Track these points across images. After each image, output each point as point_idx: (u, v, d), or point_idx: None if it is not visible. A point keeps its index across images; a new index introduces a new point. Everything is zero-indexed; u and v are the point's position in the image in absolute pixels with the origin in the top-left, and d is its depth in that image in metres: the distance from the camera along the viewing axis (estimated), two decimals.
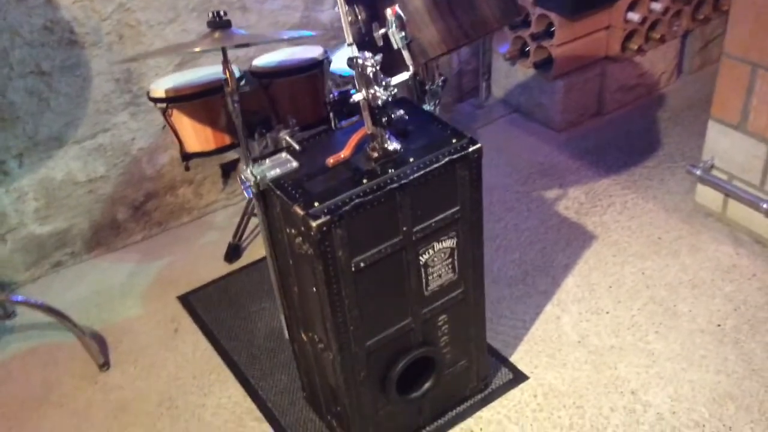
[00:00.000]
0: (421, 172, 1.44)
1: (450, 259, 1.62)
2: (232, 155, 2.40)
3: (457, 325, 1.74)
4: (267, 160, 1.49)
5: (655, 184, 2.65)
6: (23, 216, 2.44)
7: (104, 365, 2.17)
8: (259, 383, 2.03)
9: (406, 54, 1.40)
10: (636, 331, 2.06)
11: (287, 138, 1.51)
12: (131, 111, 2.47)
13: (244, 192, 1.44)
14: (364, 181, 1.41)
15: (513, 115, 3.20)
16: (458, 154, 1.48)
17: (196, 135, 1.65)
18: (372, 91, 1.33)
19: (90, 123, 2.41)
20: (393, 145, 1.46)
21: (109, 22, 2.30)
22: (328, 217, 1.36)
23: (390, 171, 1.43)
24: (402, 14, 1.37)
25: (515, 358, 2.02)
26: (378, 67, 1.33)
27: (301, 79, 1.74)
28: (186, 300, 2.37)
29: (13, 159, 2.34)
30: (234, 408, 1.99)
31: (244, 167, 1.43)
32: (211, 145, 1.66)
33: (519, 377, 1.97)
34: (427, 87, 1.82)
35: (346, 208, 1.37)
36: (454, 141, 1.50)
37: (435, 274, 1.61)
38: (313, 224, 1.35)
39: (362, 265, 1.46)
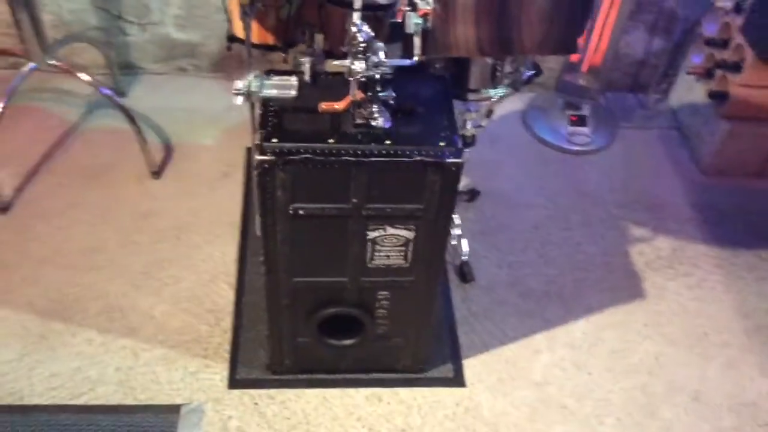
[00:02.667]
0: (384, 159, 1.40)
1: (403, 248, 1.59)
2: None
3: (399, 307, 1.74)
4: (273, 78, 1.51)
5: (751, 279, 2.32)
6: (164, 16, 2.67)
7: (155, 174, 2.42)
8: (251, 258, 2.18)
9: (416, 41, 1.32)
10: (600, 407, 1.92)
11: (306, 64, 1.51)
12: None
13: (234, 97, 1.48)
14: (330, 140, 1.40)
15: (671, 132, 2.88)
16: (432, 159, 1.41)
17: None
18: (357, 63, 1.29)
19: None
20: (378, 120, 1.42)
21: None
22: (273, 157, 1.39)
23: (357, 143, 1.41)
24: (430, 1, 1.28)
25: (468, 363, 1.99)
26: (371, 40, 1.27)
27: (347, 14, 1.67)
28: (250, 152, 2.53)
29: None
30: (217, 264, 2.17)
31: (246, 75, 1.47)
32: (254, 38, 1.70)
33: (457, 381, 1.95)
34: (498, 72, 1.71)
35: (294, 157, 1.39)
36: (441, 144, 1.42)
37: (383, 254, 1.60)
38: (257, 158, 1.38)
39: (301, 212, 1.49)
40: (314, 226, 1.52)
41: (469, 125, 1.98)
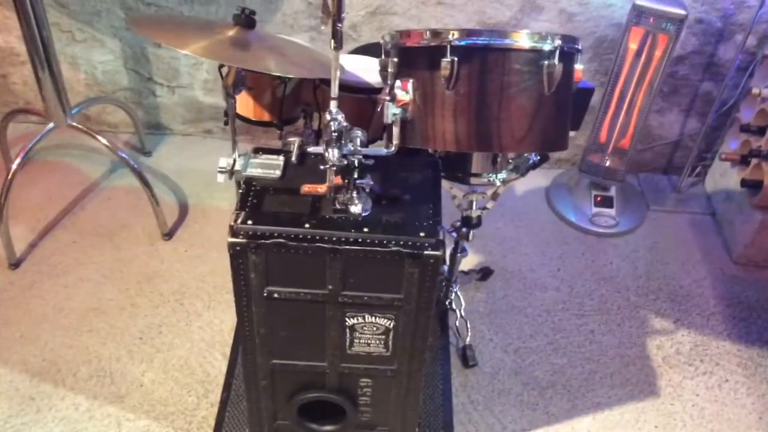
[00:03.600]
0: (359, 248, 1.35)
1: (383, 336, 1.52)
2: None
3: (383, 395, 1.66)
4: (260, 157, 1.50)
5: None
6: (193, 80, 2.72)
7: (167, 236, 2.42)
8: None
9: (395, 130, 1.28)
10: None
11: (294, 144, 1.49)
12: (311, 35, 2.56)
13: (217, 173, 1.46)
14: (306, 225, 1.36)
15: (705, 217, 2.75)
16: (410, 251, 1.35)
17: (242, 99, 1.70)
18: (330, 149, 1.26)
19: (273, 29, 2.56)
20: (357, 207, 1.38)
21: None
22: (244, 240, 1.35)
23: (334, 229, 1.36)
24: (410, 92, 1.24)
25: None
26: (346, 128, 1.24)
27: (346, 98, 1.65)
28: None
29: None
30: (215, 332, 2.13)
31: (232, 153, 1.46)
32: (249, 114, 1.69)
33: None
34: (499, 157, 1.66)
35: (266, 241, 1.35)
36: (421, 234, 1.37)
37: (362, 341, 1.53)
38: (228, 240, 1.35)
39: (276, 296, 1.44)
40: (290, 309, 1.47)
41: (474, 206, 1.92)
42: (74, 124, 2.27)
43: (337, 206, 1.40)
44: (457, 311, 2.18)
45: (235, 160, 1.46)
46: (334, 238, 1.35)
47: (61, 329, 2.12)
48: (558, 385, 2.07)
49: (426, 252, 1.35)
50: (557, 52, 1.20)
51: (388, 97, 1.26)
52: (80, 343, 2.08)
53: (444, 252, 1.38)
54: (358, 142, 1.29)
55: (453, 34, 1.19)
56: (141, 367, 2.03)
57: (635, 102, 2.40)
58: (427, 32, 1.22)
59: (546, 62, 1.20)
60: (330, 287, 1.42)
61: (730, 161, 2.58)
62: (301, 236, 1.35)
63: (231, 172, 1.46)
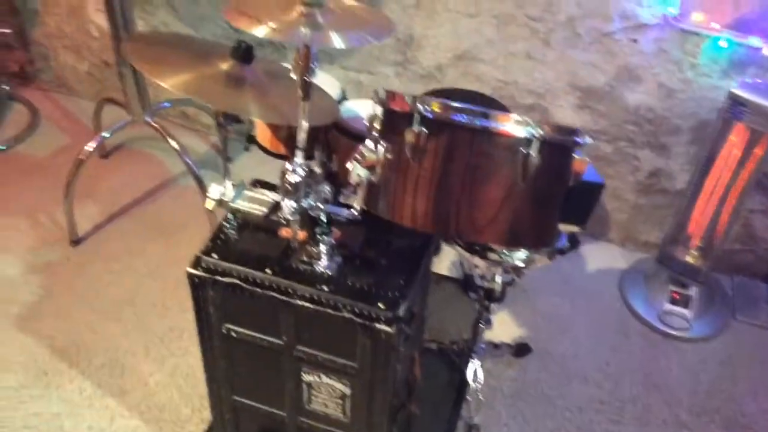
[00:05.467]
0: (311, 306, 1.28)
1: (340, 401, 1.44)
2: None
3: None
4: (255, 190, 1.47)
5: None
6: None
7: None
8: None
9: (360, 193, 1.20)
10: None
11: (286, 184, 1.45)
12: (396, 71, 2.52)
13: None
14: (267, 270, 1.32)
15: None
16: (361, 321, 1.26)
17: (261, 128, 1.68)
18: (285, 201, 1.20)
19: (360, 59, 2.54)
20: (322, 264, 1.31)
21: None
22: (202, 273, 1.33)
23: (294, 280, 1.30)
24: (379, 154, 1.16)
25: None
26: (311, 181, 1.18)
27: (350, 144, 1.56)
28: None
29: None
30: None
31: (224, 181, 1.44)
32: (267, 144, 1.67)
33: None
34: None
35: (223, 279, 1.32)
36: (380, 305, 1.27)
37: (320, 400, 1.46)
38: (188, 269, 1.33)
39: (234, 335, 1.41)
40: (249, 351, 1.43)
41: (498, 279, 1.78)
42: (150, 120, 2.37)
43: (305, 258, 1.34)
44: (473, 385, 2.03)
45: (226, 190, 1.44)
46: (290, 290, 1.30)
47: (94, 313, 2.21)
48: None
49: (377, 326, 1.26)
50: (536, 142, 1.07)
51: (357, 156, 1.18)
52: (106, 330, 2.16)
53: (401, 328, 1.28)
54: (323, 197, 1.22)
55: (426, 106, 1.09)
56: (151, 367, 2.07)
57: (727, 197, 2.13)
58: (408, 97, 1.13)
59: (522, 151, 1.07)
60: (284, 338, 1.36)
61: None
62: (258, 281, 1.31)
63: (220, 202, 1.43)
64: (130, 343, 2.14)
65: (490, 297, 1.82)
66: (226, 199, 1.43)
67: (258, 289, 1.30)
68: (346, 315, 1.26)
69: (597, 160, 2.49)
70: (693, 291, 2.39)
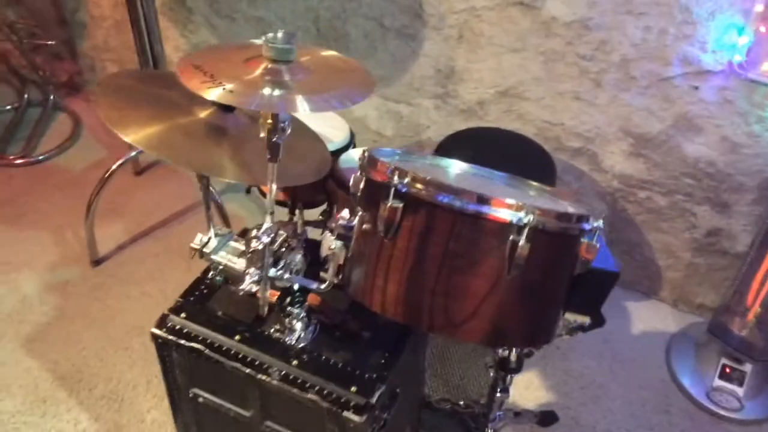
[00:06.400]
0: (275, 382, 1.15)
1: None
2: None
3: None
4: (240, 242, 1.35)
5: None
6: None
7: None
8: None
9: (330, 267, 1.06)
10: None
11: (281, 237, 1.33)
12: (436, 104, 2.38)
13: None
14: (237, 337, 1.20)
15: None
16: (328, 405, 1.12)
17: None
18: (249, 270, 1.08)
19: (399, 89, 2.41)
20: (293, 336, 1.18)
21: (455, 17, 2.17)
22: (166, 334, 1.22)
23: (262, 350, 1.18)
24: (354, 226, 1.02)
25: None
26: (279, 250, 1.05)
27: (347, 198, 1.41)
28: None
29: None
30: None
31: (209, 231, 1.33)
32: (265, 189, 1.55)
33: None
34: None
35: (187, 343, 1.20)
36: (352, 389, 1.13)
37: None
38: (152, 329, 1.23)
39: (200, 400, 1.29)
40: (217, 418, 1.31)
41: (512, 349, 1.61)
42: None
43: (278, 326, 1.21)
44: None
45: (210, 239, 1.33)
46: (256, 362, 1.17)
47: (102, 340, 2.15)
48: None
49: (345, 414, 1.11)
50: (527, 230, 0.90)
51: (331, 225, 1.04)
52: (112, 358, 2.09)
53: (375, 417, 1.13)
54: (293, 267, 1.09)
55: (403, 179, 0.94)
56: (150, 403, 1.99)
57: None
58: (389, 169, 0.98)
59: (510, 238, 0.91)
60: (252, 411, 1.24)
61: None
62: (223, 348, 1.19)
63: (201, 253, 1.32)
64: (133, 375, 2.06)
65: (504, 367, 1.65)
66: (207, 250, 1.31)
67: (222, 358, 1.17)
68: (312, 396, 1.12)
69: (650, 213, 2.27)
70: (748, 367, 2.13)
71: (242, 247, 1.33)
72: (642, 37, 1.95)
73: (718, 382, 2.13)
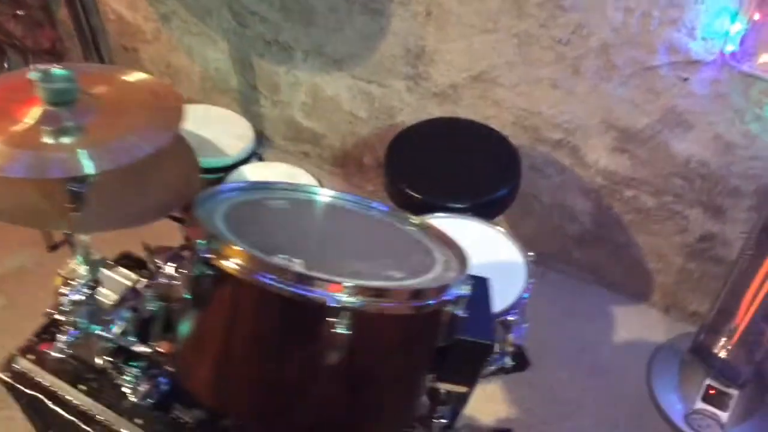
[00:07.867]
0: None
1: None
2: None
3: None
4: (115, 269, 1.22)
5: None
6: (292, 99, 2.50)
7: None
8: None
9: (154, 329, 0.91)
10: None
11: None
12: (408, 85, 2.18)
13: None
14: (81, 386, 1.08)
15: None
16: None
17: None
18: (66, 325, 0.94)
19: (370, 69, 2.22)
20: (139, 390, 1.05)
21: None
22: (9, 380, 1.11)
23: (106, 405, 1.06)
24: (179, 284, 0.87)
25: None
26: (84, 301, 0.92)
27: None
28: None
29: (301, 53, 2.33)
30: None
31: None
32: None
33: None
34: None
35: (27, 390, 1.09)
36: None
37: None
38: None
39: None
40: None
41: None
42: None
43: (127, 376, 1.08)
44: None
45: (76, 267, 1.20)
46: (96, 418, 1.05)
47: None
48: None
49: None
50: (343, 311, 0.73)
51: (149, 283, 0.89)
52: None
53: None
54: (117, 328, 0.95)
55: (207, 245, 0.78)
56: None
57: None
58: (205, 225, 0.82)
59: (327, 320, 0.75)
60: None
61: None
62: (63, 400, 1.07)
63: (66, 282, 1.19)
64: None
65: (434, 398, 1.50)
66: (71, 280, 1.18)
67: (61, 411, 1.06)
68: None
69: (638, 213, 2.04)
70: (734, 389, 1.93)
71: (116, 277, 1.21)
72: (622, 20, 1.70)
73: (700, 405, 1.94)
